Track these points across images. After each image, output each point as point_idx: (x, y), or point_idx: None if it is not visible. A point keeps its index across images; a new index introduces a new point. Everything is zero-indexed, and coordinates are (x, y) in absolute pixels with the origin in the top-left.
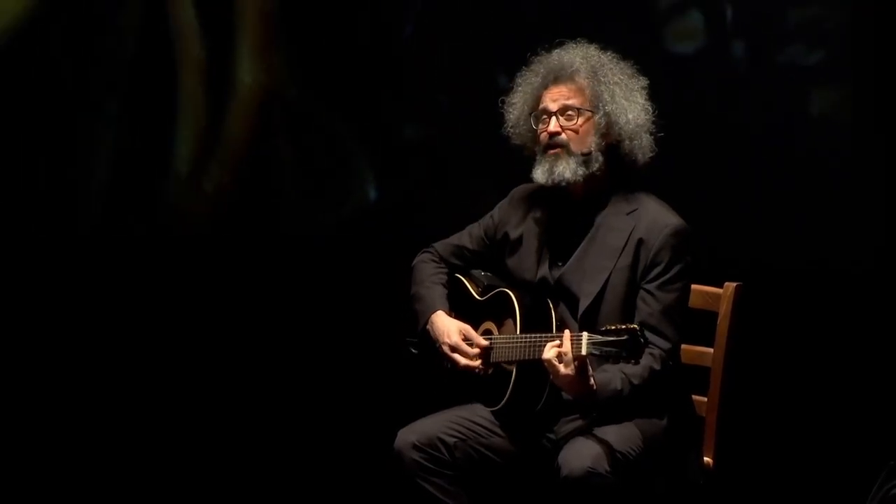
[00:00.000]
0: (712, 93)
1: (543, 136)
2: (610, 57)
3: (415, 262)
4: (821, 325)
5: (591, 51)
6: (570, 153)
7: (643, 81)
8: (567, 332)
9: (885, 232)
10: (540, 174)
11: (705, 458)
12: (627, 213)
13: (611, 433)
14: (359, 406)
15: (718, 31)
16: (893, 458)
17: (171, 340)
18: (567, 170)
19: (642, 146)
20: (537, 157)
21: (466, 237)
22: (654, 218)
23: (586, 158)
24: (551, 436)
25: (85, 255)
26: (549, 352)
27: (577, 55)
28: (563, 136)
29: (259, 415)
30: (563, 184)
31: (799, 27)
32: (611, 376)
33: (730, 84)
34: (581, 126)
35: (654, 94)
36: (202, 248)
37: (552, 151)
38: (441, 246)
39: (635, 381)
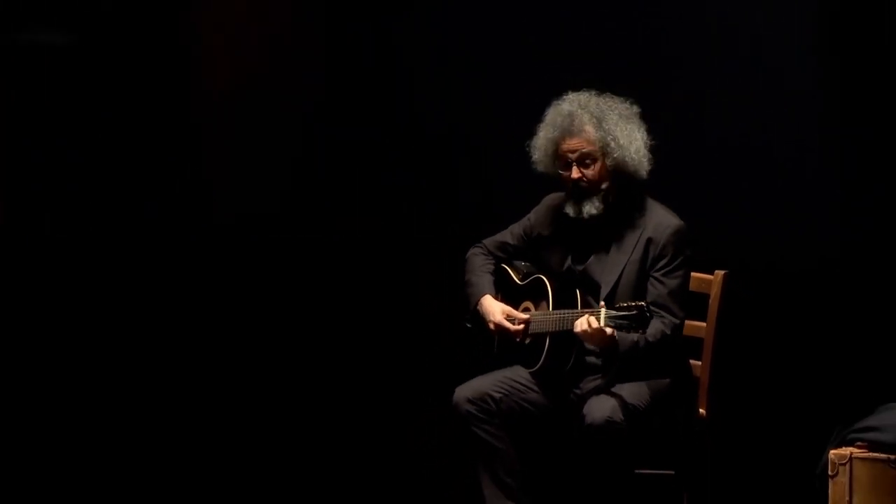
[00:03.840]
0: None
1: (567, 180)
2: (607, 102)
3: (468, 255)
4: (793, 304)
5: (592, 101)
6: (593, 193)
7: (636, 110)
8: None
9: (837, 235)
10: (571, 211)
11: (700, 410)
12: (638, 219)
13: (625, 390)
14: (425, 369)
15: None
16: (839, 423)
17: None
18: (592, 208)
19: (644, 165)
20: (567, 195)
21: (509, 235)
22: (659, 220)
23: (604, 193)
24: (577, 391)
25: None
26: (579, 323)
27: (584, 110)
28: (584, 182)
29: (356, 380)
30: (589, 218)
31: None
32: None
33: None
34: (597, 171)
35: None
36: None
37: (578, 195)
38: (489, 242)
39: (650, 339)
